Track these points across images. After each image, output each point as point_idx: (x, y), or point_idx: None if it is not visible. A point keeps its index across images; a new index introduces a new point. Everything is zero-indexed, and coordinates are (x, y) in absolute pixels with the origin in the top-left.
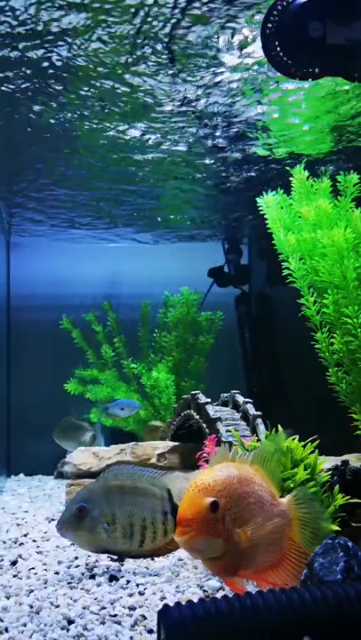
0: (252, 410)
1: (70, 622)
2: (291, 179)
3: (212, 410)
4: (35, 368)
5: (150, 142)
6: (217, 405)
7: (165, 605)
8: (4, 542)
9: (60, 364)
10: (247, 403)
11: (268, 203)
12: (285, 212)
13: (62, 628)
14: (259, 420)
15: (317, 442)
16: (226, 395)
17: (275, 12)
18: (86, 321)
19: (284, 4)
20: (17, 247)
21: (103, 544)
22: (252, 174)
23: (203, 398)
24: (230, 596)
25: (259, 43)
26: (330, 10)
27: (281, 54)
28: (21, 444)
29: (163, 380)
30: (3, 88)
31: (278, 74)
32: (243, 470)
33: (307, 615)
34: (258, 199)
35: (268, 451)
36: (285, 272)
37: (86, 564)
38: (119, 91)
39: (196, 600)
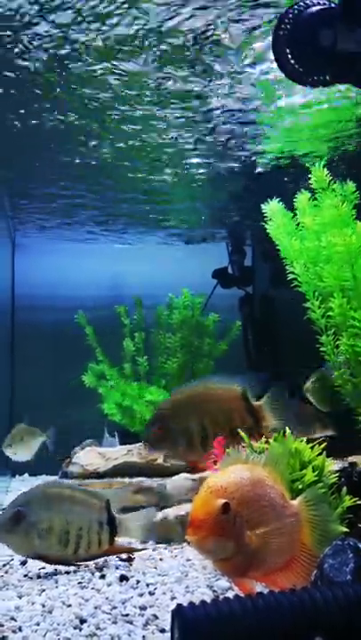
0: None
1: (83, 621)
2: (291, 184)
3: None
4: (39, 367)
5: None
6: None
7: (179, 605)
8: None
9: (64, 363)
10: None
11: (273, 210)
12: (289, 220)
13: (75, 628)
14: None
15: (325, 444)
16: None
17: (286, 20)
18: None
19: (296, 11)
20: (21, 247)
21: (37, 549)
22: (256, 176)
23: None
24: (242, 596)
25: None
26: (342, 17)
27: (292, 61)
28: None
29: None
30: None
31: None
32: (255, 472)
33: (318, 615)
34: (262, 206)
35: (279, 453)
36: (291, 277)
37: (95, 564)
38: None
39: (206, 600)
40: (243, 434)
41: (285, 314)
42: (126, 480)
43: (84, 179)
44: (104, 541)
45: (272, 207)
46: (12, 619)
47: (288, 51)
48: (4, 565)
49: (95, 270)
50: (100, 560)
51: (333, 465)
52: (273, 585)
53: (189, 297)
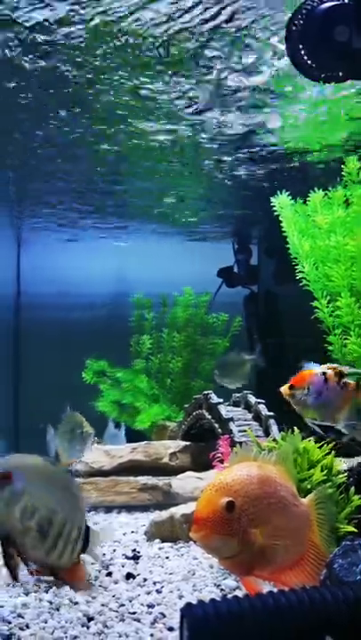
0: (264, 410)
1: (90, 619)
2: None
3: (224, 410)
4: (44, 365)
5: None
6: (228, 406)
7: (188, 603)
8: None
9: (69, 360)
10: (259, 403)
11: (283, 203)
12: (301, 217)
13: (82, 625)
14: (272, 421)
15: (333, 443)
16: (238, 395)
17: (300, 15)
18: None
19: (310, 7)
20: (27, 243)
21: (7, 526)
22: (262, 172)
23: (215, 398)
24: (252, 594)
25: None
26: (356, 13)
27: (305, 57)
28: (30, 442)
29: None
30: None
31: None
32: (264, 470)
33: (328, 615)
34: (272, 198)
35: (288, 451)
36: (299, 276)
37: (102, 562)
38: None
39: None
40: (250, 432)
41: (290, 312)
42: (131, 478)
43: (90, 173)
44: (75, 553)
45: (282, 201)
46: (20, 616)
47: (301, 47)
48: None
49: (100, 267)
50: (107, 557)
51: (342, 464)
52: (281, 584)
53: (193, 295)
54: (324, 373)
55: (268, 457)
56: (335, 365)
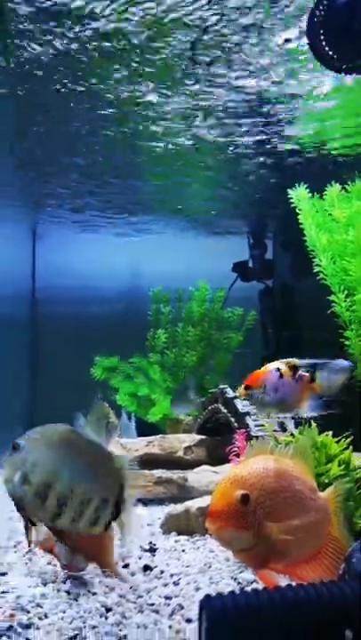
0: None
1: (108, 610)
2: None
3: (240, 404)
4: (59, 360)
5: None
6: (244, 400)
7: (207, 595)
8: None
9: (83, 353)
10: None
11: (301, 196)
12: (319, 211)
13: (101, 616)
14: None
15: (351, 437)
16: None
17: (321, 6)
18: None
19: None
20: (42, 238)
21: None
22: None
23: (231, 393)
24: (271, 588)
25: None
26: None
27: (326, 47)
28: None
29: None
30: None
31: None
32: (281, 464)
33: (347, 609)
34: (289, 190)
35: (306, 444)
36: (316, 269)
37: (119, 554)
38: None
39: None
40: (268, 426)
41: (305, 306)
42: (146, 472)
43: (105, 166)
44: (93, 522)
45: (299, 194)
46: (38, 605)
47: (322, 37)
48: (27, 553)
49: (114, 262)
50: (124, 550)
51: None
52: (298, 578)
53: (208, 289)
54: (278, 369)
55: (285, 450)
56: (289, 359)
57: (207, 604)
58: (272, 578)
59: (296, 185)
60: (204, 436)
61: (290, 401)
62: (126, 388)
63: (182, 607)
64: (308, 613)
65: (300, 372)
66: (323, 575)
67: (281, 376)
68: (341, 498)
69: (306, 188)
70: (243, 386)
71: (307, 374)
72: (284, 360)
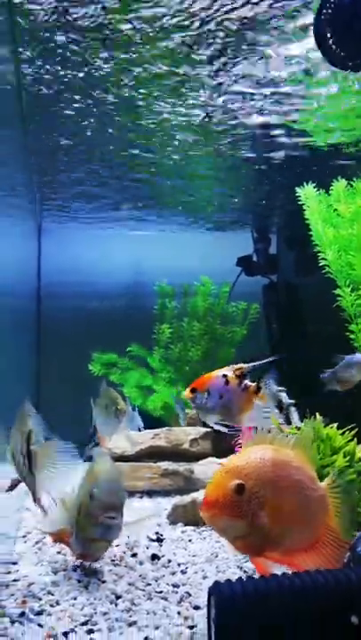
0: (285, 398)
1: (118, 597)
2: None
3: None
4: (64, 354)
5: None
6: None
7: (216, 582)
8: None
9: (89, 349)
10: (281, 391)
11: (308, 194)
12: (324, 206)
13: (111, 603)
14: (292, 409)
15: (356, 430)
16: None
17: (328, 4)
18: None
19: None
20: (48, 233)
21: None
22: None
23: None
24: (279, 574)
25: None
26: None
27: (333, 46)
28: (50, 428)
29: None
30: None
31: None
32: (279, 454)
33: (353, 596)
34: (298, 189)
35: (308, 435)
36: (322, 263)
37: (126, 544)
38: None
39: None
40: (274, 419)
41: (310, 300)
42: (152, 464)
43: (111, 161)
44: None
45: (307, 192)
46: (50, 593)
47: (330, 35)
48: (37, 543)
49: (119, 257)
50: (131, 539)
51: None
52: (294, 567)
53: (211, 285)
54: (225, 376)
55: (286, 441)
56: (240, 366)
57: (216, 589)
58: (266, 566)
59: (304, 183)
60: (209, 429)
61: (233, 409)
62: (133, 380)
63: (190, 595)
64: (315, 600)
65: (246, 381)
66: (321, 564)
67: (227, 382)
68: (340, 488)
69: (313, 184)
70: (189, 388)
71: (253, 384)
72: (236, 366)
